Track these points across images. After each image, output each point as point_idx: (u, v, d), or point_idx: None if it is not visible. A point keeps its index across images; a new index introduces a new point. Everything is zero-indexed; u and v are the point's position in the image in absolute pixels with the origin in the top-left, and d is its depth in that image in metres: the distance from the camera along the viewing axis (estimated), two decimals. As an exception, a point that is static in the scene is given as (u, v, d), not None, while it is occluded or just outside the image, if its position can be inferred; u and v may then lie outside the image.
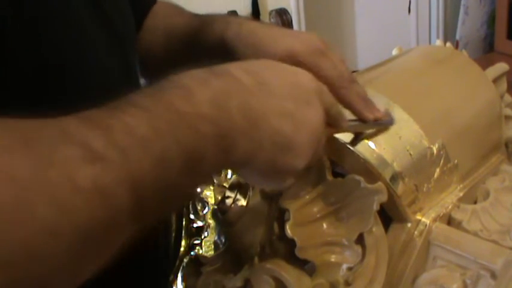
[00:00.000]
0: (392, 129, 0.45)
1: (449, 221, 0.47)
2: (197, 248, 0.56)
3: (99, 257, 0.26)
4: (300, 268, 0.41)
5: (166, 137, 0.27)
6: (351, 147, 0.43)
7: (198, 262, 0.51)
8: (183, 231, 0.57)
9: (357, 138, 0.43)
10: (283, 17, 1.97)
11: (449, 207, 0.47)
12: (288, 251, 0.41)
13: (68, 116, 0.26)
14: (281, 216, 0.43)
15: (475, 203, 0.50)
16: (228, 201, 0.53)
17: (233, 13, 1.88)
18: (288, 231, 0.40)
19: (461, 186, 0.49)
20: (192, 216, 0.57)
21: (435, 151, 0.46)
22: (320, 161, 0.42)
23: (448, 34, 1.88)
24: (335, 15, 2.50)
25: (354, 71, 0.50)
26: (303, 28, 2.17)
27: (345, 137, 0.43)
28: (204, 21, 0.53)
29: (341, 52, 0.47)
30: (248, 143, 0.31)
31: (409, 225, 0.44)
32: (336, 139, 0.43)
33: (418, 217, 0.45)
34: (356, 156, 0.43)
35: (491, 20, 1.65)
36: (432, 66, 0.58)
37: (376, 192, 0.40)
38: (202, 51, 0.52)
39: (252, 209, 0.48)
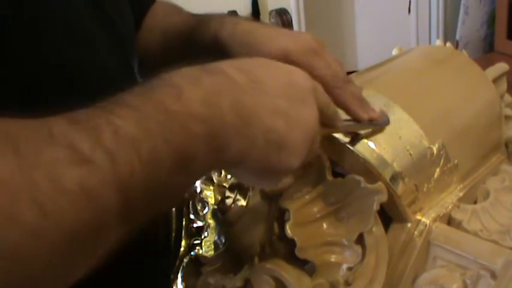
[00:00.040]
0: (393, 129, 0.45)
1: (449, 221, 0.47)
2: (197, 248, 0.56)
3: (88, 258, 0.26)
4: (300, 268, 0.41)
5: (156, 136, 0.27)
6: (351, 147, 0.43)
7: (198, 262, 0.51)
8: (183, 231, 0.57)
9: (357, 138, 0.43)
10: (283, 17, 1.97)
11: (449, 207, 0.47)
12: (288, 251, 0.41)
13: (55, 117, 0.26)
14: (281, 216, 0.43)
15: (475, 203, 0.50)
16: (228, 201, 0.53)
17: (233, 13, 1.88)
18: (288, 231, 0.40)
19: (461, 186, 0.49)
20: (192, 216, 0.57)
21: (435, 151, 0.46)
22: (320, 161, 0.42)
23: (448, 34, 1.88)
24: (335, 15, 2.50)
25: (354, 71, 0.50)
26: (303, 28, 2.17)
27: (345, 136, 0.43)
28: (201, 20, 0.53)
29: (341, 52, 0.47)
30: (241, 141, 0.31)
31: (409, 225, 0.44)
32: (336, 139, 0.43)
33: (418, 217, 0.45)
34: (356, 156, 0.43)
35: (491, 20, 1.65)
36: (432, 66, 0.58)
37: (376, 192, 0.40)
38: (198, 50, 0.52)
39: (252, 209, 0.48)
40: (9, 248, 0.22)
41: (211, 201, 0.57)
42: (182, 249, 0.57)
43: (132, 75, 0.53)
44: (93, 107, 0.27)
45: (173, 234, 0.57)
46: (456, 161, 0.48)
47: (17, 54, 0.37)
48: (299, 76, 0.36)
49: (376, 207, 0.40)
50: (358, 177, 0.40)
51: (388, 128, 0.45)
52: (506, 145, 0.58)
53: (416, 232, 0.44)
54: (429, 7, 2.01)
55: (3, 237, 0.21)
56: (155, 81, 0.30)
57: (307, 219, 0.42)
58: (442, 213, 0.46)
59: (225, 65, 0.33)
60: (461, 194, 0.48)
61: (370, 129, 0.44)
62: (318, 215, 0.42)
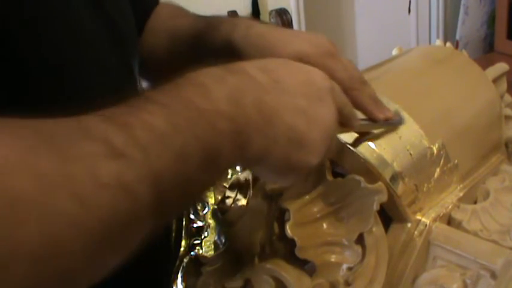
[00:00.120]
0: (393, 129, 0.45)
1: (449, 221, 0.47)
2: (197, 248, 0.56)
3: (119, 253, 0.26)
4: (300, 268, 0.41)
5: (186, 133, 0.28)
6: (351, 147, 0.43)
7: (198, 262, 0.51)
8: (183, 231, 0.57)
9: (360, 139, 0.43)
10: (283, 17, 1.97)
11: (449, 207, 0.47)
12: (288, 251, 0.41)
13: (87, 114, 0.26)
14: (281, 216, 0.43)
15: (475, 203, 0.50)
16: (228, 201, 0.53)
17: (233, 13, 1.88)
18: (288, 231, 0.40)
19: (461, 186, 0.49)
20: (192, 216, 0.57)
21: (435, 151, 0.46)
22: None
23: (448, 34, 1.88)
24: (335, 15, 2.50)
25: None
26: (303, 28, 2.17)
27: (346, 136, 0.43)
28: (210, 23, 0.53)
29: (341, 52, 0.47)
30: (263, 139, 0.32)
31: (409, 225, 0.44)
32: (337, 139, 0.43)
33: (418, 217, 0.45)
34: (356, 156, 0.43)
35: (491, 20, 1.65)
36: (432, 66, 0.58)
37: (376, 192, 0.40)
38: (207, 53, 0.52)
39: (252, 209, 0.48)
40: (51, 240, 0.22)
41: (211, 201, 0.57)
42: (182, 249, 0.57)
43: (132, 75, 0.52)
44: (123, 104, 0.28)
45: (173, 234, 0.57)
46: (456, 161, 0.48)
47: (17, 54, 0.37)
48: (317, 76, 0.37)
49: (376, 207, 0.40)
50: (358, 177, 0.40)
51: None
52: (506, 145, 0.58)
53: (416, 232, 0.44)
54: (429, 7, 2.01)
55: (45, 229, 0.22)
56: (180, 81, 0.31)
57: (307, 219, 0.42)
58: (442, 213, 0.46)
59: (247, 65, 0.34)
60: (461, 194, 0.48)
61: (385, 129, 0.45)
62: (318, 215, 0.42)
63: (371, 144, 0.43)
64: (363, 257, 0.40)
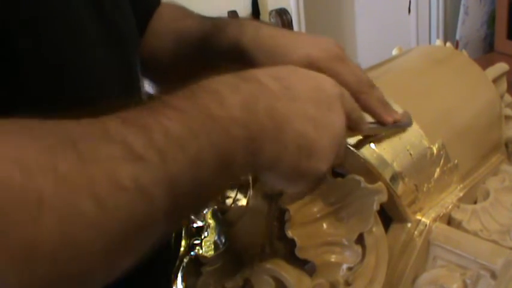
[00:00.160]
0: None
1: (449, 221, 0.47)
2: (197, 248, 0.56)
3: (134, 255, 0.27)
4: (300, 268, 0.41)
5: (201, 138, 0.28)
6: (351, 147, 0.43)
7: (198, 262, 0.51)
8: (183, 231, 0.57)
9: (364, 141, 0.43)
10: (283, 17, 1.97)
11: (449, 207, 0.47)
12: (288, 251, 0.41)
13: (106, 116, 0.27)
14: (281, 216, 0.43)
15: (475, 203, 0.50)
16: (228, 201, 0.53)
17: (233, 13, 1.88)
18: (288, 231, 0.40)
19: (461, 186, 0.49)
20: (192, 216, 0.57)
21: (435, 151, 0.46)
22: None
23: (448, 34, 1.88)
24: (335, 15, 2.49)
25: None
26: (303, 28, 2.17)
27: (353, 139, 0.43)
28: (216, 25, 0.53)
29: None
30: (274, 146, 0.32)
31: (409, 225, 0.44)
32: None
33: (418, 217, 0.45)
34: (356, 156, 0.43)
35: (491, 20, 1.65)
36: (432, 66, 0.58)
37: (376, 192, 0.40)
38: (214, 56, 0.52)
39: (252, 209, 0.48)
40: (71, 240, 0.22)
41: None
42: (182, 249, 0.57)
43: (132, 75, 0.52)
44: (140, 108, 0.28)
45: (173, 234, 0.57)
46: (456, 161, 0.48)
47: (17, 54, 0.37)
48: (326, 82, 0.37)
49: (376, 207, 0.40)
50: (358, 177, 0.40)
51: None
52: (506, 145, 0.58)
53: (416, 232, 0.44)
54: (429, 7, 2.01)
55: (65, 229, 0.22)
56: (195, 87, 0.31)
57: (307, 219, 0.42)
58: (442, 213, 0.46)
59: (259, 73, 0.35)
60: (461, 194, 0.48)
61: (393, 130, 0.45)
62: (318, 215, 0.42)
63: (371, 144, 0.43)
64: (363, 257, 0.40)
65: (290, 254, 0.41)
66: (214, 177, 0.29)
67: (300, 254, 0.40)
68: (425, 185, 0.45)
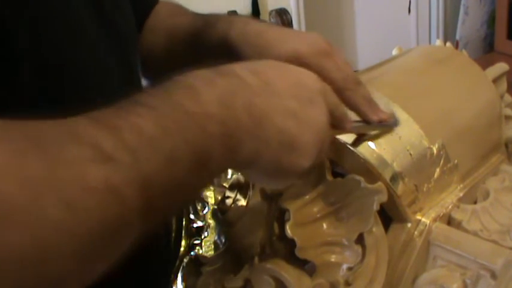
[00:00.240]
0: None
1: (449, 221, 0.47)
2: (197, 248, 0.56)
3: (109, 258, 0.26)
4: (300, 268, 0.41)
5: (175, 136, 0.27)
6: (351, 147, 0.43)
7: (198, 262, 0.51)
8: (183, 231, 0.57)
9: (359, 139, 0.43)
10: (283, 17, 1.97)
11: (449, 207, 0.47)
12: (288, 251, 0.41)
13: (75, 117, 0.26)
14: (281, 216, 0.43)
15: (475, 203, 0.50)
16: (228, 201, 0.53)
17: (233, 13, 1.88)
18: (288, 231, 0.40)
19: (461, 186, 0.49)
20: (192, 216, 0.57)
21: (435, 151, 0.46)
22: (320, 161, 0.42)
23: (448, 34, 1.88)
24: (335, 15, 2.50)
25: (354, 71, 0.50)
26: (303, 28, 2.17)
27: (346, 137, 0.43)
28: (207, 21, 0.53)
29: (342, 52, 0.47)
30: (253, 142, 0.32)
31: (409, 225, 0.44)
32: (336, 139, 0.43)
33: (418, 217, 0.45)
34: (356, 156, 0.43)
35: (491, 20, 1.65)
36: (432, 66, 0.58)
37: (376, 192, 0.40)
38: (205, 51, 0.52)
39: (252, 209, 0.48)
40: (41, 244, 0.22)
41: (211, 201, 0.57)
42: (182, 249, 0.57)
43: (133, 75, 0.52)
44: (112, 107, 0.27)
45: (173, 234, 0.57)
46: (456, 161, 0.48)
47: (17, 54, 0.37)
48: (308, 78, 0.36)
49: (376, 207, 0.40)
50: (358, 177, 0.40)
51: None
52: (506, 145, 0.58)
53: (416, 232, 0.44)
54: (429, 7, 2.01)
55: (32, 234, 0.22)
56: (169, 83, 0.30)
57: (307, 219, 0.42)
58: (442, 213, 0.46)
59: (237, 67, 0.34)
60: (461, 194, 0.48)
61: (379, 130, 0.44)
62: (318, 215, 0.42)
63: (371, 144, 0.43)
64: (363, 257, 0.40)
65: (290, 254, 0.41)
66: (191, 175, 0.28)
67: (300, 254, 0.40)
68: (425, 185, 0.45)
